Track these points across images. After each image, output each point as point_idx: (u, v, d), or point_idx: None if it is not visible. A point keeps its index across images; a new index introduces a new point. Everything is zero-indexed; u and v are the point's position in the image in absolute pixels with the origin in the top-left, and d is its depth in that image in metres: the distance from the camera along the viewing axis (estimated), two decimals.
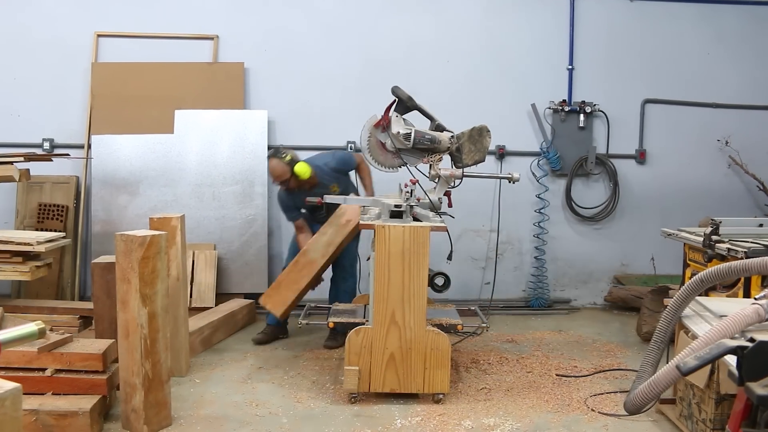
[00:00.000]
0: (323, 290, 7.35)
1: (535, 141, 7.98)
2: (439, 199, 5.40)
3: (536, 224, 7.95)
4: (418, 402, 5.01)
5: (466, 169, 5.38)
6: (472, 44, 7.89)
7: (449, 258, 5.16)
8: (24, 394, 2.56)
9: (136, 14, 7.59)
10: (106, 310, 5.01)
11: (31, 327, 2.57)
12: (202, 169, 7.48)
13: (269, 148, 7.53)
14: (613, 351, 6.41)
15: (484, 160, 5.48)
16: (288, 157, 6.11)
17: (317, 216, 6.20)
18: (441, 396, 5.01)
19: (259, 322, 6.98)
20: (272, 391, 5.27)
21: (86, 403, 4.33)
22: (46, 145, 7.52)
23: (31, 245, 5.73)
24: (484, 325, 5.55)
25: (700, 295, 4.24)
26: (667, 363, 3.58)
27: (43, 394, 4.42)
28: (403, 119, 5.31)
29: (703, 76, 8.10)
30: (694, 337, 3.92)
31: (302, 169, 6.09)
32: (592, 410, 4.93)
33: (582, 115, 7.89)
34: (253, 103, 7.70)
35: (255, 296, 7.30)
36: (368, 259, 5.55)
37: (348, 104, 7.68)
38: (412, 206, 5.00)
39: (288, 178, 6.14)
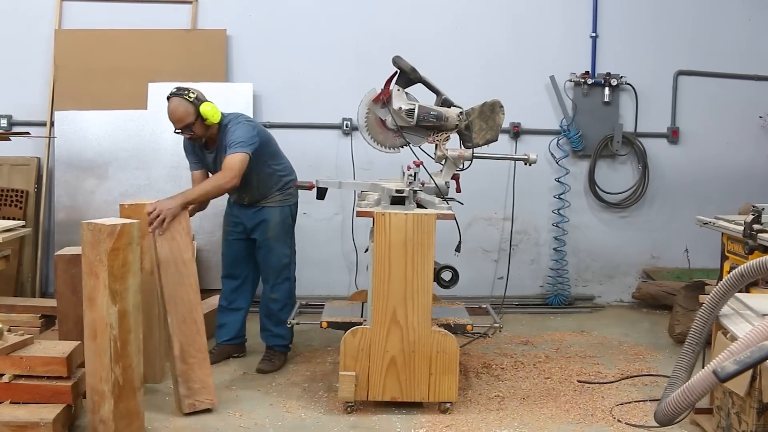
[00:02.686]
0: (314, 285, 7.38)
1: (554, 118, 7.97)
2: (446, 183, 5.38)
3: (555, 212, 7.94)
4: (423, 412, 5.01)
5: (476, 150, 5.36)
6: (484, 9, 7.87)
7: (458, 250, 5.15)
8: None
9: None
10: (71, 309, 4.99)
11: None
12: (179, 150, 7.29)
13: None
14: (642, 354, 6.41)
15: (496, 140, 5.45)
16: (191, 95, 5.49)
17: (243, 194, 5.82)
18: (448, 405, 5.00)
19: None
20: (258, 399, 5.27)
21: (49, 412, 4.31)
22: (3, 122, 7.52)
23: None
24: (497, 325, 5.53)
25: (739, 292, 4.22)
26: (703, 368, 3.57)
27: (0, 402, 4.41)
28: (406, 93, 5.29)
29: (744, 44, 8.07)
30: (734, 338, 3.91)
31: (211, 111, 5.48)
32: (619, 421, 4.93)
33: (607, 89, 7.87)
34: (237, 76, 7.68)
35: None
36: (366, 250, 5.54)
37: (344, 77, 7.66)
38: (415, 191, 4.98)
39: (193, 121, 5.46)
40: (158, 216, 4.88)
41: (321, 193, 5.38)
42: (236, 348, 6.17)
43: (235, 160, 5.34)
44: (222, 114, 5.60)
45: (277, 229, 5.88)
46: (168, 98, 5.49)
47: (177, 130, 5.53)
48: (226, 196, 5.88)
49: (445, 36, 7.81)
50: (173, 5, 7.64)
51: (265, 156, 5.72)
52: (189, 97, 5.45)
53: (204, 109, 5.45)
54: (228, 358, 6.08)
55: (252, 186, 5.74)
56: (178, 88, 5.53)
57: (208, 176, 5.74)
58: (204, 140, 5.65)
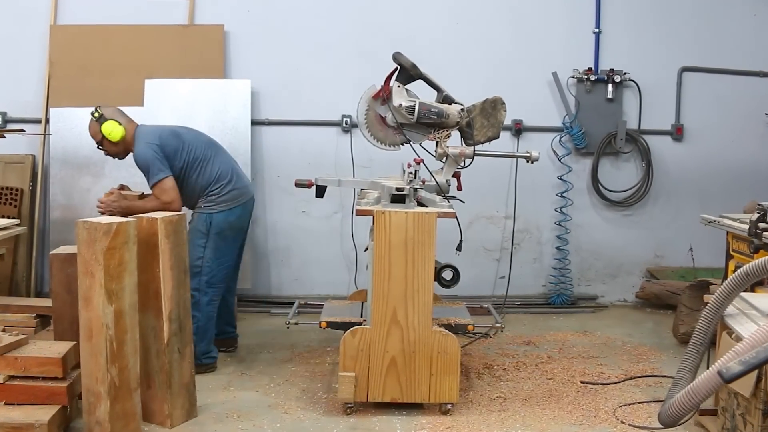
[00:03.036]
0: (313, 284, 7.39)
1: (556, 115, 7.96)
2: (447, 181, 5.38)
3: (558, 210, 7.94)
4: (423, 413, 5.01)
5: (478, 147, 5.37)
6: (485, 4, 7.86)
7: (459, 248, 5.14)
8: None
9: None
10: (67, 308, 4.98)
11: None
12: None
13: (253, 122, 7.52)
14: (646, 355, 6.41)
15: (498, 137, 5.45)
16: (97, 113, 5.65)
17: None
18: (449, 406, 5.00)
19: (241, 321, 6.96)
20: (256, 400, 5.26)
21: (44, 414, 4.31)
22: None
23: None
24: (499, 325, 5.54)
25: (745, 291, 4.22)
26: (708, 368, 3.56)
27: None
28: (406, 90, 5.29)
29: (749, 40, 8.06)
30: (739, 338, 3.91)
31: (109, 129, 5.64)
32: (622, 422, 4.92)
33: (610, 86, 7.86)
34: (235, 72, 7.67)
35: (237, 293, 7.30)
36: (366, 249, 5.54)
37: (343, 73, 7.65)
38: (416, 189, 4.98)
39: (100, 140, 5.76)
40: (106, 206, 5.65)
41: (320, 191, 5.39)
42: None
43: (163, 189, 5.56)
44: (136, 129, 5.77)
45: (190, 234, 5.55)
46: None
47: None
48: None
49: (446, 32, 7.81)
50: (170, 0, 7.62)
51: (179, 168, 5.75)
52: (95, 115, 5.67)
53: (105, 128, 5.66)
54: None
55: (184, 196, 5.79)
56: (96, 107, 5.73)
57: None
58: (124, 156, 5.90)
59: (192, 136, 5.91)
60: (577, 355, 6.37)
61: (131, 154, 5.75)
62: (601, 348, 6.60)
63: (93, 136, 5.79)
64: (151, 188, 5.62)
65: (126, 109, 7.30)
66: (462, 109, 5.31)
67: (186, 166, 5.74)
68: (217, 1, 7.65)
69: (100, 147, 5.85)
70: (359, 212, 5.02)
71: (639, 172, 8.06)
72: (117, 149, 5.80)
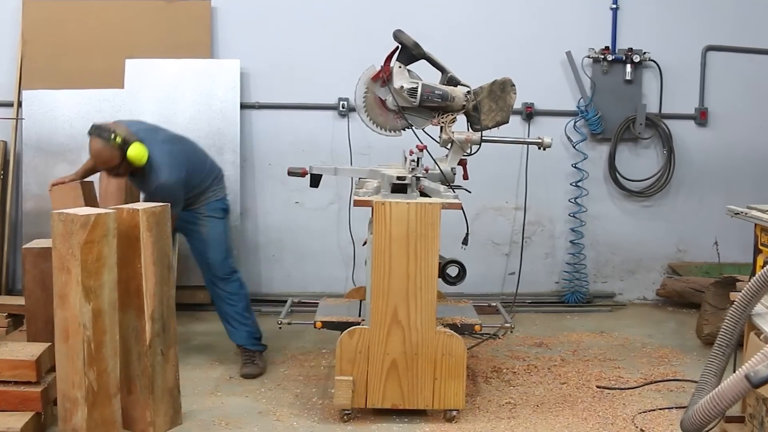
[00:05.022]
0: (307, 281, 7.38)
1: (570, 98, 7.95)
2: (452, 169, 5.38)
3: (572, 201, 7.94)
4: (427, 420, 5.02)
5: (485, 133, 5.37)
6: None
7: (465, 242, 5.15)
8: None
9: None
10: (41, 307, 4.98)
11: None
12: None
13: (242, 106, 7.51)
14: (668, 357, 6.42)
15: (507, 122, 5.45)
16: (118, 139, 5.35)
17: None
18: (454, 413, 5.00)
19: None
20: (246, 406, 5.27)
21: (16, 421, 4.32)
22: None
23: None
24: (508, 325, 5.54)
25: None
26: (734, 372, 3.56)
27: None
28: (408, 71, 5.28)
29: None
30: None
31: (138, 153, 5.40)
32: (642, 430, 4.93)
33: (629, 66, 7.85)
34: (223, 52, 7.66)
35: None
36: (364, 243, 5.54)
37: (340, 53, 7.64)
38: (418, 178, 4.98)
39: (118, 164, 5.46)
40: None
41: (315, 181, 5.38)
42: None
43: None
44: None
45: (212, 224, 6.05)
46: (89, 135, 5.41)
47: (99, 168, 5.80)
48: None
49: (451, 8, 7.79)
50: None
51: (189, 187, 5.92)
52: (114, 141, 5.34)
53: (133, 153, 5.39)
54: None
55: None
56: (101, 128, 5.40)
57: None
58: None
59: (192, 149, 6.05)
60: (593, 357, 6.38)
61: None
62: (619, 350, 6.60)
63: (107, 162, 5.45)
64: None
65: (105, 92, 7.38)
66: (468, 92, 5.30)
67: (194, 183, 5.85)
68: None
69: (108, 170, 5.60)
70: (357, 203, 5.01)
71: (660, 159, 8.06)
72: (131, 169, 5.57)
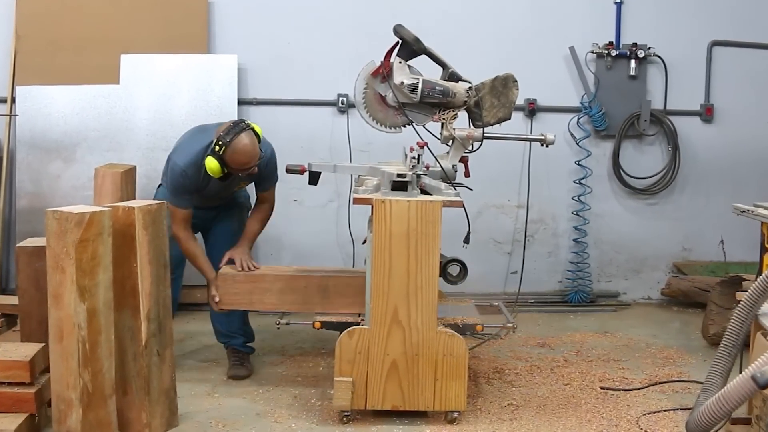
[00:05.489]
0: None
1: (574, 94, 7.95)
2: (453, 166, 5.37)
3: (575, 198, 7.94)
4: (427, 422, 5.01)
5: (487, 129, 5.35)
6: None
7: (466, 241, 5.14)
8: None
9: None
10: (35, 307, 4.98)
11: None
12: (155, 129, 7.44)
13: (240, 102, 7.51)
14: (673, 358, 6.42)
15: (509, 118, 5.45)
16: (259, 131, 5.52)
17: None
18: (456, 415, 5.00)
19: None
20: (243, 408, 5.27)
21: (9, 423, 4.32)
22: None
23: None
24: (510, 325, 5.53)
25: None
26: (741, 373, 3.56)
27: None
28: (409, 66, 5.28)
29: None
30: None
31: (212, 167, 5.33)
32: None
33: (633, 61, 7.85)
34: (220, 47, 7.66)
35: None
36: (364, 242, 5.54)
37: (339, 48, 7.64)
38: (419, 175, 4.97)
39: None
40: (251, 265, 5.57)
41: (314, 178, 5.37)
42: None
43: (273, 195, 5.91)
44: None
45: (240, 213, 6.13)
46: (239, 133, 5.27)
47: (243, 172, 5.44)
48: None
49: (453, 2, 7.79)
50: None
51: None
52: (259, 133, 5.43)
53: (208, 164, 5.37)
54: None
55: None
56: (244, 123, 5.40)
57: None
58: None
59: None
60: (597, 358, 6.38)
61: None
62: (623, 350, 6.60)
63: (252, 160, 5.38)
64: (265, 189, 5.85)
65: (99, 88, 7.38)
66: (470, 88, 5.30)
67: None
68: None
69: (249, 169, 5.49)
70: (357, 201, 5.00)
71: (665, 156, 8.06)
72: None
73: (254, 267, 5.58)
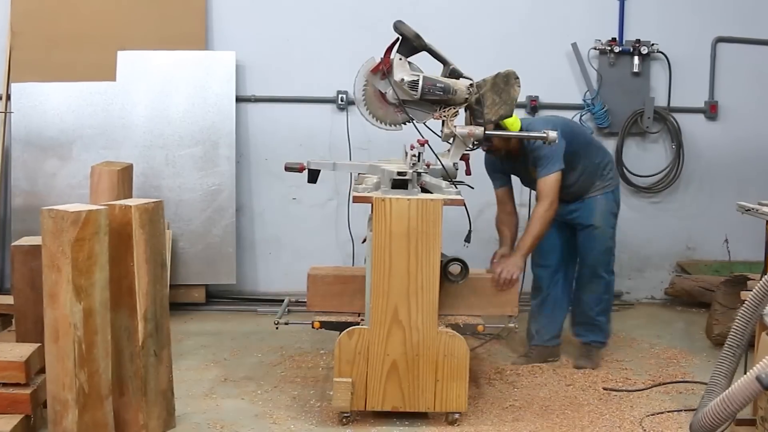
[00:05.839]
0: (305, 279, 7.36)
1: (576, 91, 7.96)
2: (454, 164, 5.37)
3: None
4: (428, 423, 5.01)
5: (488, 127, 5.35)
6: None
7: (467, 240, 5.14)
8: None
9: None
10: (30, 306, 4.98)
11: None
12: (152, 127, 7.44)
13: (238, 99, 7.51)
14: (676, 358, 6.42)
15: (511, 115, 5.45)
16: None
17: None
18: (457, 416, 5.00)
19: (225, 321, 6.94)
20: (242, 409, 5.26)
21: (4, 424, 4.31)
22: None
23: None
24: (512, 325, 5.54)
25: None
26: (745, 373, 3.56)
27: None
28: (409, 63, 5.27)
29: None
30: None
31: (511, 121, 5.56)
32: None
33: (636, 58, 7.86)
34: (217, 43, 7.67)
35: (220, 289, 7.30)
36: (363, 241, 5.53)
37: (339, 45, 7.65)
38: (419, 174, 4.97)
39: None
40: (510, 277, 5.49)
41: (312, 176, 5.37)
42: (552, 351, 6.33)
43: (549, 185, 5.72)
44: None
45: (602, 217, 6.18)
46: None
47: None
48: None
49: None
50: None
51: (578, 155, 5.93)
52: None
53: (511, 121, 5.52)
54: (544, 362, 6.21)
55: (571, 188, 5.98)
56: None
57: (511, 194, 6.21)
58: (504, 152, 5.80)
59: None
60: (600, 358, 6.37)
61: None
62: (626, 351, 6.61)
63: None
64: (535, 173, 5.82)
65: (95, 85, 7.38)
66: (471, 85, 5.29)
67: (582, 155, 6.01)
68: None
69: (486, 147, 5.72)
70: (356, 199, 5.00)
71: (668, 154, 8.06)
72: (508, 144, 5.77)
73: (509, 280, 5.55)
